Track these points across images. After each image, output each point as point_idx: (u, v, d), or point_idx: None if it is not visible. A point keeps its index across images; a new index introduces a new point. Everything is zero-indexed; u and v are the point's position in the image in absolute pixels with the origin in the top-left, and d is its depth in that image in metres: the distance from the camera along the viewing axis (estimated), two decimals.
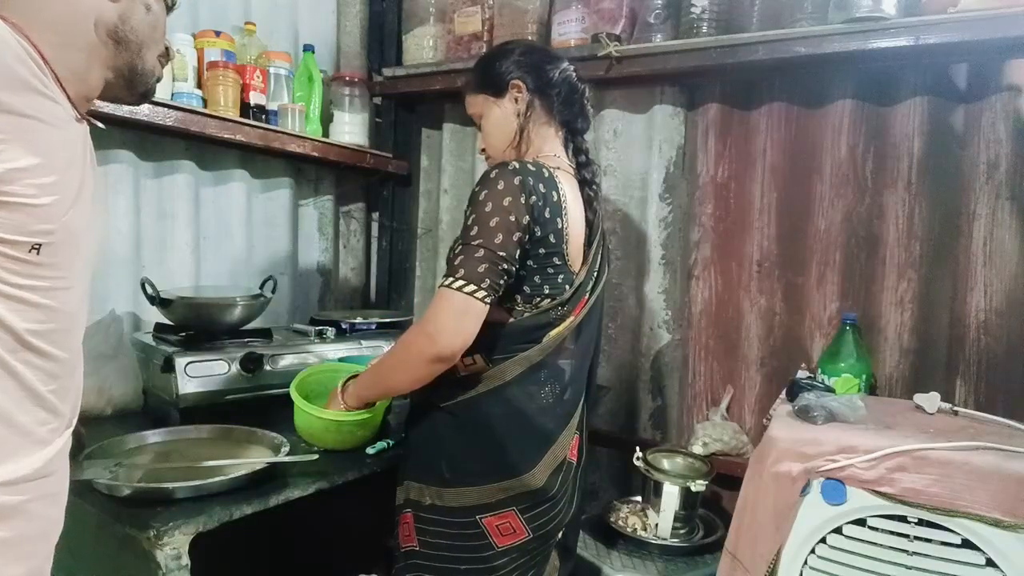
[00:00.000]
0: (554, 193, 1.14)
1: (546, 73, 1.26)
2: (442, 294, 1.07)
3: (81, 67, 0.78)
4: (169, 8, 0.90)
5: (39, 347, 0.72)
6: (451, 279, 1.06)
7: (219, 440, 1.29)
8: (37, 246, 0.68)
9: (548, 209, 1.13)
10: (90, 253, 0.81)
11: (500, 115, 1.26)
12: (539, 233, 1.12)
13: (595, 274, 1.27)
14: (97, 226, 0.84)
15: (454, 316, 1.06)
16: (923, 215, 1.59)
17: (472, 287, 1.05)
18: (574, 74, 1.30)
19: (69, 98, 0.77)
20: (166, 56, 0.91)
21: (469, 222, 1.09)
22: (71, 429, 0.81)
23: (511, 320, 1.16)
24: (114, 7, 0.79)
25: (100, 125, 0.86)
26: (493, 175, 1.10)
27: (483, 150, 1.34)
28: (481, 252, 1.06)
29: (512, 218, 1.08)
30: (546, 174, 1.14)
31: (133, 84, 0.86)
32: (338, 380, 1.30)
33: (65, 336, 0.76)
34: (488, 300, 1.06)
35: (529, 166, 1.13)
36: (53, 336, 0.74)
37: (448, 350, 1.07)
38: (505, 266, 1.08)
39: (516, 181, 1.09)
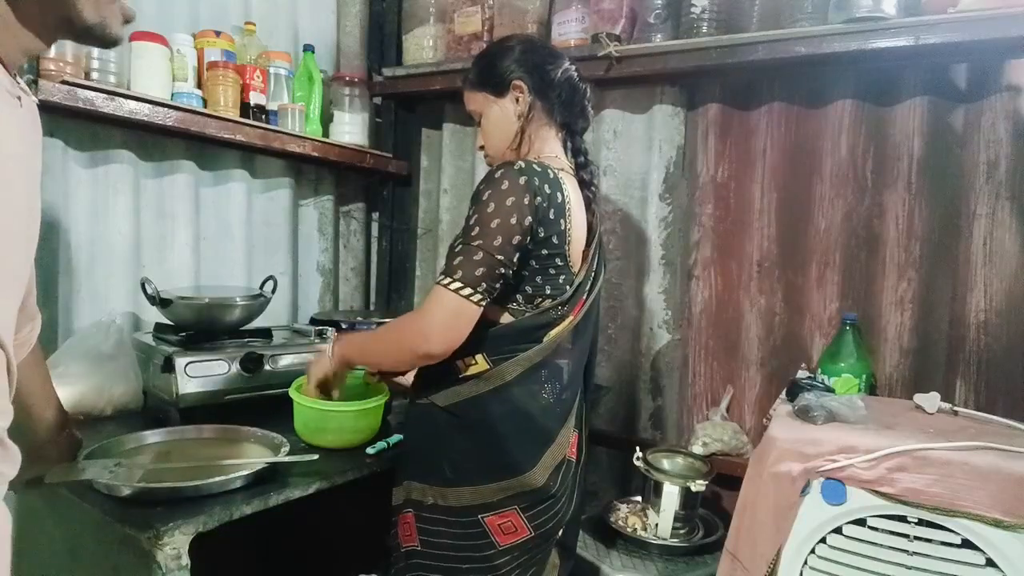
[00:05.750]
0: (559, 194, 1.14)
1: (548, 74, 1.25)
2: (437, 293, 1.07)
3: (1, 23, 0.65)
4: None
5: None
6: (448, 279, 1.06)
7: (219, 440, 1.29)
8: None
9: (552, 210, 1.12)
10: (15, 249, 0.65)
11: (500, 114, 1.26)
12: (542, 234, 1.12)
13: (592, 275, 1.27)
14: (29, 217, 0.67)
15: (447, 317, 1.06)
16: (923, 215, 1.59)
17: (468, 290, 1.05)
18: (576, 74, 1.29)
19: (5, 67, 0.65)
20: None
21: (471, 221, 1.09)
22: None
23: (512, 320, 1.16)
24: None
25: (25, 90, 0.71)
26: (498, 175, 1.10)
27: (481, 147, 1.33)
28: (480, 254, 1.06)
29: (514, 220, 1.07)
30: (551, 175, 1.14)
31: (83, 38, 0.72)
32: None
33: None
34: (483, 303, 1.07)
35: (535, 166, 1.12)
36: None
37: (438, 349, 1.08)
38: (503, 270, 1.08)
39: (521, 181, 1.09)
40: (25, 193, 0.65)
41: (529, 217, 1.09)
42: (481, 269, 1.06)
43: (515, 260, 1.09)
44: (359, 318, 1.90)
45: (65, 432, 1.08)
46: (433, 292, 1.08)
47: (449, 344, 1.08)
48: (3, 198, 0.62)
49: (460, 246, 1.08)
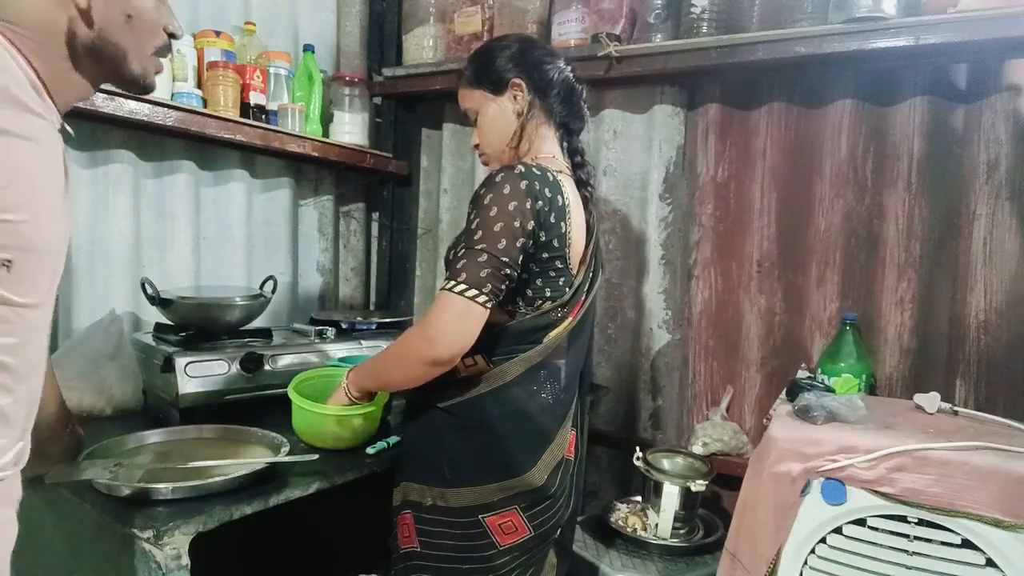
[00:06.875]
0: (559, 198, 1.14)
1: (546, 73, 1.25)
2: (443, 297, 1.06)
3: (62, 77, 0.77)
4: None
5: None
6: (453, 282, 1.05)
7: (219, 440, 1.29)
8: (7, 262, 0.65)
9: (553, 214, 1.12)
10: (60, 268, 0.76)
11: (498, 113, 1.26)
12: (543, 238, 1.12)
13: (591, 275, 1.27)
14: (67, 240, 0.80)
15: (454, 320, 1.05)
16: (923, 215, 1.59)
17: (474, 291, 1.04)
18: (572, 74, 1.29)
19: (57, 109, 0.75)
20: (167, 46, 0.87)
21: (473, 225, 1.08)
22: (25, 437, 0.76)
23: (512, 322, 1.16)
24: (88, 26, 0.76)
25: (70, 132, 0.83)
26: (499, 178, 1.10)
27: (476, 145, 1.32)
28: (484, 256, 1.05)
29: (517, 223, 1.07)
30: (551, 178, 1.14)
31: (124, 86, 0.85)
32: (337, 382, 1.30)
33: (24, 350, 0.72)
34: (489, 305, 1.06)
35: (534, 170, 1.12)
36: (16, 349, 0.70)
37: (447, 354, 1.06)
38: (507, 271, 1.07)
39: (522, 185, 1.09)
40: (64, 210, 0.75)
41: (532, 221, 1.09)
42: (486, 270, 1.05)
43: (519, 262, 1.09)
44: (359, 318, 1.90)
45: (68, 429, 1.08)
46: (438, 297, 1.07)
47: (457, 349, 1.06)
48: (54, 210, 0.72)
49: (463, 250, 1.08)
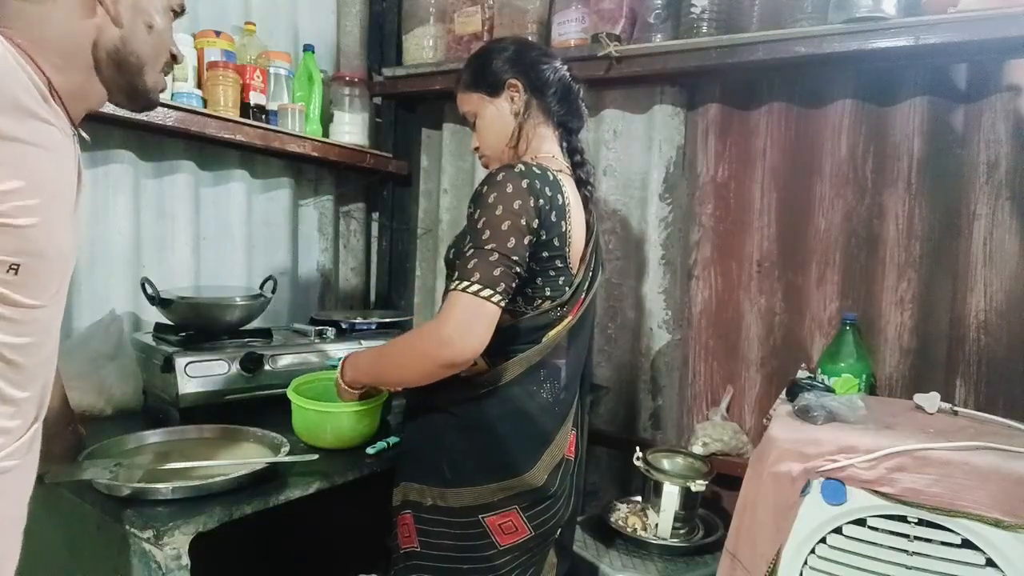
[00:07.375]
0: (559, 196, 1.14)
1: (542, 73, 1.25)
2: (456, 298, 1.04)
3: (81, 87, 0.79)
4: (177, 14, 0.91)
5: (11, 359, 0.71)
6: (466, 283, 1.04)
7: (219, 440, 1.29)
8: (15, 266, 0.67)
9: (554, 212, 1.12)
10: (69, 272, 0.80)
11: (496, 114, 1.26)
12: (544, 236, 1.12)
13: (590, 274, 1.27)
14: (77, 243, 0.83)
15: (469, 320, 1.03)
16: (923, 215, 1.59)
17: (488, 291, 1.03)
18: (568, 74, 1.30)
19: (69, 117, 0.77)
20: (171, 65, 0.91)
21: (479, 225, 1.08)
22: (37, 424, 0.79)
23: (512, 322, 1.16)
24: (116, 31, 0.79)
25: (86, 138, 0.85)
26: (500, 177, 1.10)
27: (476, 148, 1.33)
28: (495, 256, 1.05)
29: (523, 221, 1.07)
30: (551, 177, 1.14)
31: (135, 100, 0.87)
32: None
33: (37, 349, 0.75)
34: (503, 304, 1.05)
35: (535, 169, 1.12)
36: (27, 349, 0.73)
37: (461, 356, 1.05)
38: (517, 269, 1.07)
39: (524, 184, 1.09)
40: (75, 215, 0.79)
41: (535, 219, 1.09)
42: (499, 270, 1.04)
43: (527, 261, 1.09)
44: (359, 318, 1.90)
45: (71, 427, 1.09)
46: (450, 298, 1.05)
47: (472, 350, 1.04)
48: (64, 215, 0.75)
49: (472, 250, 1.06)
